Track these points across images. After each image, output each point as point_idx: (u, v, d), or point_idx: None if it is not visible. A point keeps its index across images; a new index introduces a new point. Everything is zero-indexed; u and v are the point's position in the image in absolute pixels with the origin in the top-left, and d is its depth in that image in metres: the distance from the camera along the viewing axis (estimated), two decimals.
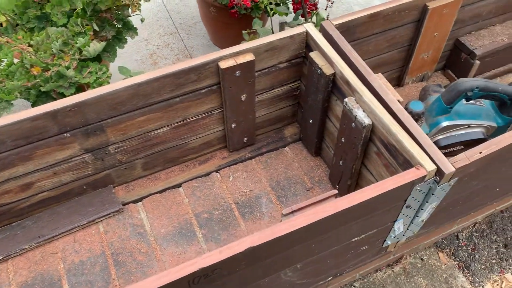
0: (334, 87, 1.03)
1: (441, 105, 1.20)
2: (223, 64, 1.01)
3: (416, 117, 1.21)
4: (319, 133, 1.17)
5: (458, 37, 1.38)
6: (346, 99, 0.96)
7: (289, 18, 1.82)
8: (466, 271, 1.50)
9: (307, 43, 1.08)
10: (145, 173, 1.20)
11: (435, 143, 1.23)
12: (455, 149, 1.24)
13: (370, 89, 0.95)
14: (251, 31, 1.54)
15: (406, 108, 1.22)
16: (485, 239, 1.69)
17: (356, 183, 1.10)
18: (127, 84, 0.95)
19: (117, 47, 1.50)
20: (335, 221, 0.79)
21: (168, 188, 1.19)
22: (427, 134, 1.25)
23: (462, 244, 1.44)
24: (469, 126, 1.22)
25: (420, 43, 1.27)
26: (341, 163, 1.08)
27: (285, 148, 1.29)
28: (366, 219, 0.85)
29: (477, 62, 1.35)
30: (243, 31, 1.61)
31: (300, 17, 1.62)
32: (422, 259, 1.38)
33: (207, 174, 1.22)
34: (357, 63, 0.98)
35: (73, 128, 0.98)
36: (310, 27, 1.06)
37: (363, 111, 0.93)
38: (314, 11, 1.69)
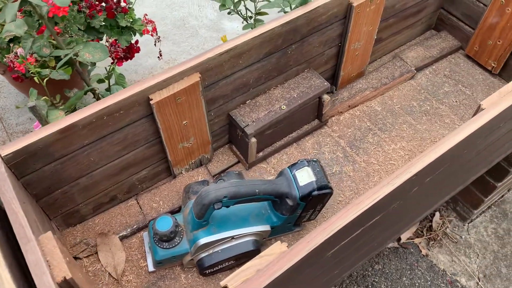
0: None
1: (195, 219, 0.94)
2: None
3: (165, 238, 0.95)
4: None
5: (229, 111, 1.13)
6: None
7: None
8: None
9: None
10: None
11: (199, 262, 0.98)
12: (223, 265, 1.00)
13: (27, 266, 0.65)
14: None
15: (152, 228, 0.96)
16: None
17: None
18: None
19: None
20: None
21: None
22: (187, 253, 0.99)
23: None
24: (233, 238, 0.97)
25: (168, 137, 1.01)
26: None
27: None
28: None
29: (253, 140, 1.11)
30: (22, 106, 1.26)
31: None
32: None
33: None
34: (15, 222, 0.69)
35: None
36: None
37: None
38: (111, 65, 1.36)
